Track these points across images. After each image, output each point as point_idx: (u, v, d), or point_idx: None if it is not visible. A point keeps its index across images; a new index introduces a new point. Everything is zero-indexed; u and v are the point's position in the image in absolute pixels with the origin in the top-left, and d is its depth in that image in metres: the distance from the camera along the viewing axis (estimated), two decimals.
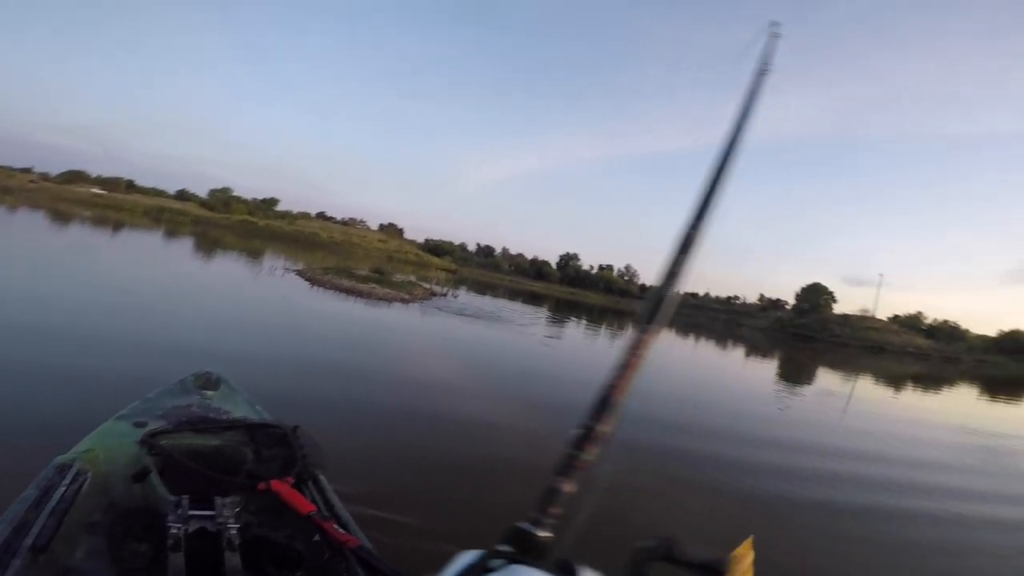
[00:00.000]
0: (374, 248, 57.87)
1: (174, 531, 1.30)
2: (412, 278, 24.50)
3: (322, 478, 1.77)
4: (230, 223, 49.95)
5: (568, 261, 79.10)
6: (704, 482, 4.82)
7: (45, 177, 60.28)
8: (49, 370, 4.29)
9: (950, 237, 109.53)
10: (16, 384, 3.88)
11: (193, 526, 1.36)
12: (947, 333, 56.24)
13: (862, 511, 4.69)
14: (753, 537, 1.80)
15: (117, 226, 27.05)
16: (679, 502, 4.28)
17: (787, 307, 66.28)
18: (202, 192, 63.84)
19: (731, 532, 1.81)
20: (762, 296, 73.31)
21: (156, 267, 14.53)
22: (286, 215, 63.98)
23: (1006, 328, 54.80)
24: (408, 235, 78.52)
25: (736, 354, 23.17)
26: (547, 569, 0.52)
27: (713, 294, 76.71)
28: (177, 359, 4.85)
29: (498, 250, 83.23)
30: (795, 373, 18.86)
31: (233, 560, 1.31)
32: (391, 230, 76.41)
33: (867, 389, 16.94)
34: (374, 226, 77.04)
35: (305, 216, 68.70)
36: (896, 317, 60.86)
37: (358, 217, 78.19)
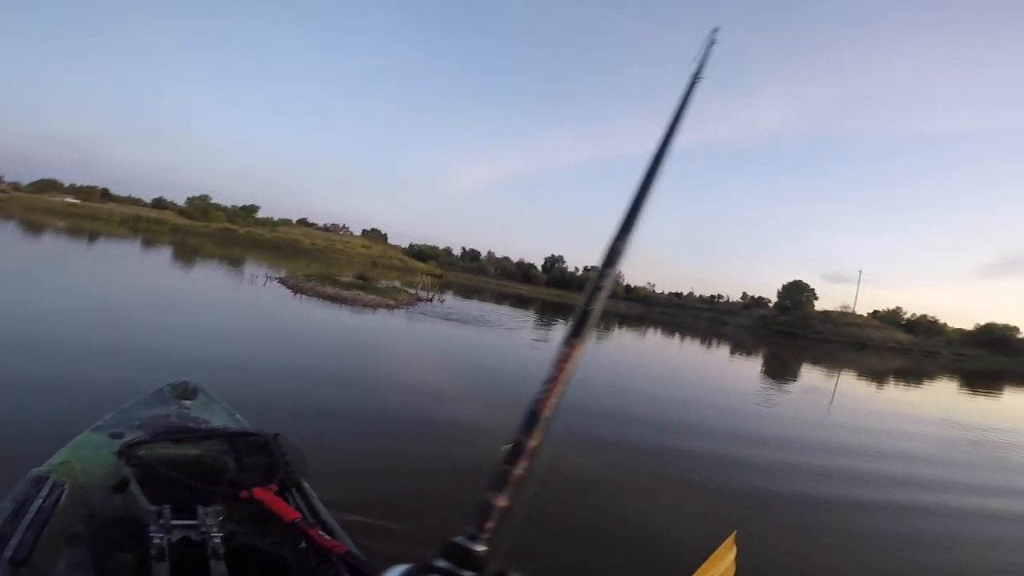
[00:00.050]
0: (357, 254, 57.49)
1: (157, 541, 1.28)
2: (397, 284, 24.34)
3: (305, 485, 1.75)
4: (209, 231, 49.25)
5: (554, 263, 79.36)
6: (691, 479, 4.82)
7: (16, 187, 58.79)
8: (20, 382, 4.14)
9: (925, 233, 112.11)
10: None
11: (176, 535, 1.33)
12: (926, 327, 57.58)
13: (848, 504, 4.72)
14: (737, 533, 1.79)
15: (93, 236, 26.50)
16: (665, 499, 4.27)
17: (770, 305, 67.20)
18: (180, 200, 62.79)
19: (717, 528, 1.82)
20: (745, 294, 74.33)
21: (133, 277, 14.23)
22: (267, 222, 63.30)
23: (982, 321, 56.42)
24: (392, 240, 78.22)
25: (721, 353, 23.41)
26: None
27: (697, 293, 77.59)
28: (154, 370, 4.71)
29: (483, 254, 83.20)
30: (780, 370, 19.08)
31: (219, 569, 1.28)
32: (374, 235, 75.98)
33: (851, 385, 17.20)
34: (357, 232, 76.60)
35: (286, 223, 68.00)
36: (876, 313, 62.21)
37: (340, 223, 77.60)
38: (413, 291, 21.99)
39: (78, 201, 55.37)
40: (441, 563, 0.55)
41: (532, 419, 0.68)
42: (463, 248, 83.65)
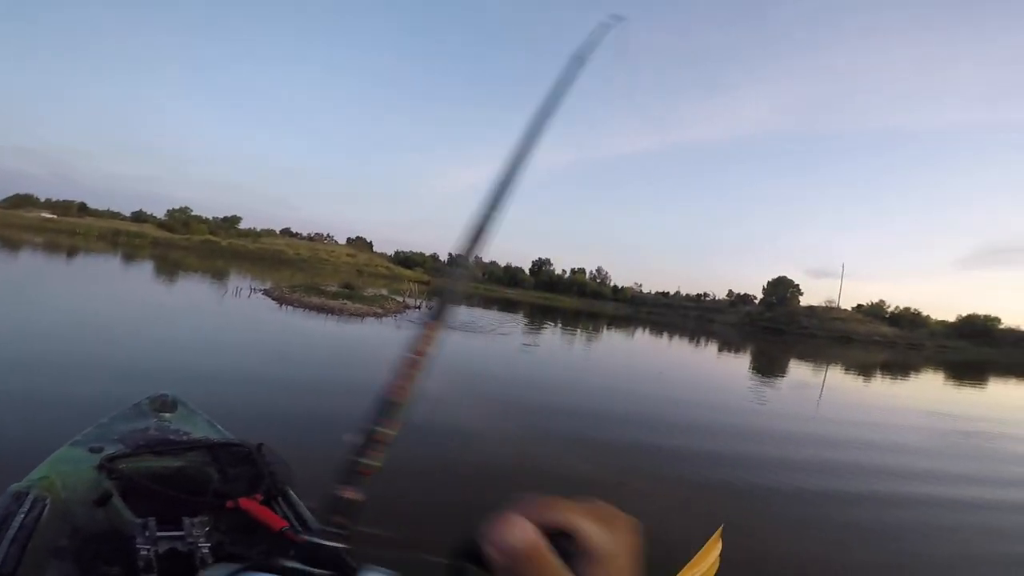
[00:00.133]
0: (343, 263, 57.18)
1: (144, 552, 1.24)
2: (384, 292, 24.24)
3: (292, 494, 1.73)
4: (191, 244, 48.67)
5: (541, 266, 79.59)
6: (681, 476, 4.86)
7: None
8: None
9: (906, 226, 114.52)
10: None
11: (163, 547, 1.29)
12: (909, 320, 58.54)
13: (837, 496, 4.78)
14: (723, 526, 1.78)
15: (71, 252, 26.04)
16: (656, 497, 4.28)
17: (755, 302, 68.00)
18: (159, 212, 62.06)
19: (707, 522, 1.84)
20: (731, 292, 75.15)
21: (114, 293, 13.97)
22: (250, 233, 62.74)
23: (964, 313, 57.65)
24: (377, 248, 77.93)
25: (709, 351, 23.58)
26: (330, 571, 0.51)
27: (683, 292, 78.27)
28: (135, 384, 4.61)
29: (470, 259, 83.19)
30: (768, 366, 19.27)
31: None
32: (359, 244, 75.65)
33: (838, 379, 17.42)
34: (342, 240, 76.23)
35: (270, 233, 67.46)
36: (860, 307, 63.20)
37: (325, 232, 77.20)
38: (400, 299, 21.89)
39: (55, 216, 54.42)
40: (290, 563, 0.53)
41: (385, 407, 0.64)
42: (449, 254, 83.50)
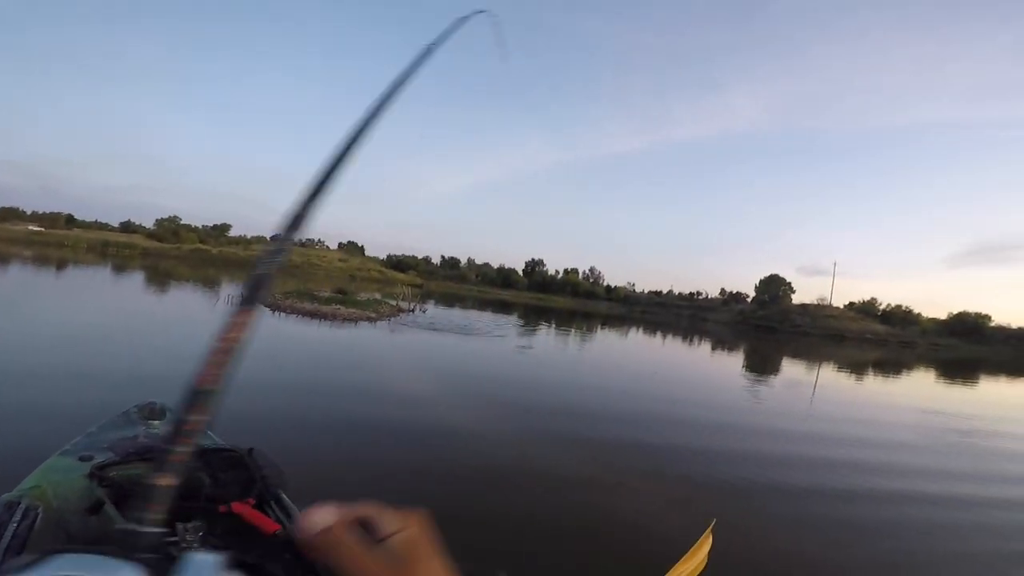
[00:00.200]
0: (335, 268, 57.00)
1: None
2: (377, 296, 24.17)
3: (285, 497, 1.73)
4: (181, 253, 48.37)
5: (534, 267, 79.69)
6: (675, 473, 4.88)
7: None
8: None
9: (897, 225, 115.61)
10: None
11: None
12: (901, 318, 58.91)
13: (830, 493, 4.80)
14: (715, 523, 1.79)
15: (60, 264, 25.79)
16: (649, 494, 4.29)
17: (748, 300, 68.34)
18: (148, 222, 61.69)
19: (699, 519, 1.85)
20: (723, 290, 75.56)
21: (105, 303, 13.86)
22: (240, 240, 62.41)
23: (954, 310, 57.97)
24: (370, 252, 77.79)
25: (703, 350, 23.67)
26: (147, 560, 0.51)
27: (676, 291, 78.53)
28: (125, 393, 4.58)
29: (463, 261, 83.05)
30: (761, 365, 19.36)
31: None
32: (351, 248, 75.45)
33: (832, 377, 17.45)
34: (333, 245, 76.01)
35: (261, 240, 66.99)
36: (852, 304, 63.48)
37: (316, 237, 76.83)
38: (394, 302, 21.83)
39: (42, 229, 53.86)
40: (110, 549, 0.53)
41: (194, 395, 0.63)
42: (443, 256, 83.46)
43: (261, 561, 1.49)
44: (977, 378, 21.57)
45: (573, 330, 24.23)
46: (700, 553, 1.60)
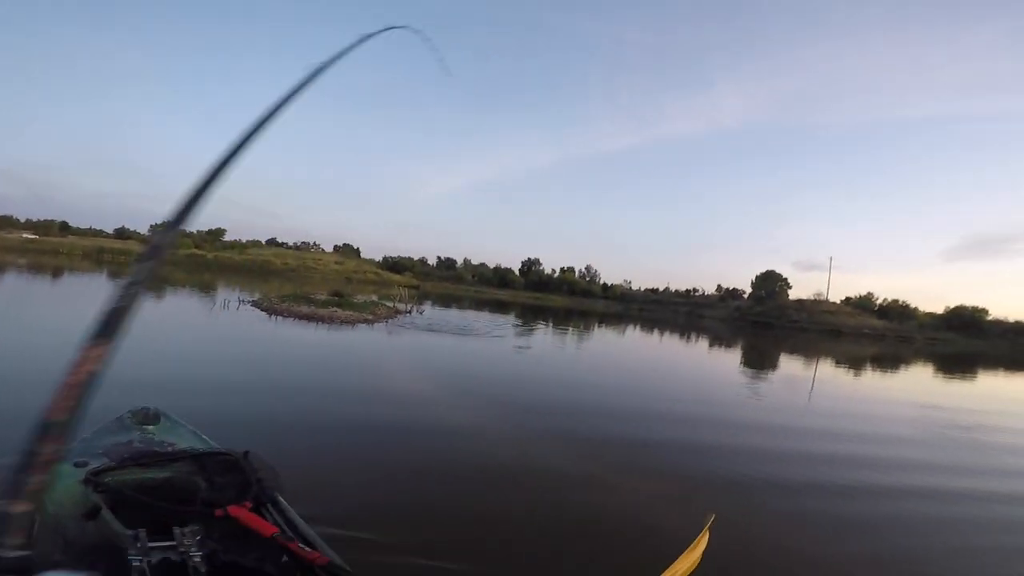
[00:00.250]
0: (331, 271, 56.85)
1: (137, 564, 1.27)
2: (374, 297, 24.12)
3: (281, 500, 1.74)
4: (177, 258, 48.08)
5: (531, 267, 79.64)
6: (674, 470, 4.90)
7: None
8: None
9: (892, 218, 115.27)
10: None
11: (155, 557, 1.32)
12: (898, 312, 58.62)
13: (828, 488, 4.80)
14: (714, 519, 1.80)
15: (56, 272, 25.67)
16: (649, 491, 4.31)
17: (745, 296, 68.40)
18: (143, 228, 61.31)
19: (698, 515, 1.86)
20: (720, 286, 75.56)
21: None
22: (235, 244, 62.17)
23: (951, 304, 57.64)
24: (365, 254, 77.59)
25: (700, 346, 23.72)
26: None
27: (672, 288, 78.62)
28: (121, 399, 4.59)
29: (460, 261, 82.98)
30: (759, 361, 19.40)
31: None
32: (347, 251, 75.30)
33: (830, 372, 17.43)
34: (329, 248, 75.79)
35: (256, 244, 66.92)
36: (848, 299, 63.27)
37: (311, 240, 76.76)
38: (391, 304, 21.79)
39: (36, 236, 53.52)
40: None
41: (45, 427, 0.62)
42: (439, 257, 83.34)
43: (259, 564, 1.50)
44: (975, 373, 21.53)
45: (571, 329, 24.26)
46: (699, 548, 1.61)
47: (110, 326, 0.70)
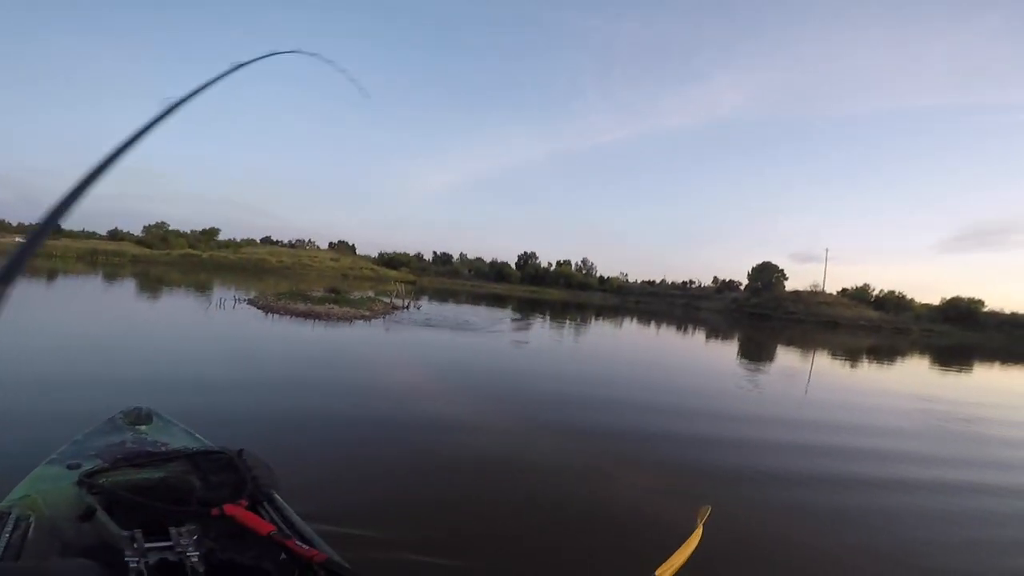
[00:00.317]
0: (327, 268, 56.69)
1: (134, 565, 1.26)
2: (371, 294, 24.09)
3: (277, 497, 1.73)
4: (172, 259, 47.84)
5: (527, 260, 79.56)
6: (671, 461, 4.93)
7: None
8: None
9: (888, 209, 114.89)
10: None
11: (153, 558, 1.32)
12: (894, 303, 58.35)
13: (824, 480, 4.82)
14: (710, 511, 1.80)
15: (51, 274, 25.51)
16: (646, 482, 4.34)
17: (741, 288, 68.47)
18: (136, 229, 60.78)
19: (694, 505, 1.86)
20: (716, 278, 75.63)
21: (97, 311, 13.73)
22: (230, 244, 61.78)
23: (948, 295, 57.20)
24: (361, 251, 77.25)
25: (697, 338, 23.77)
26: None
27: (669, 280, 78.71)
28: (119, 399, 4.56)
29: (456, 256, 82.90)
30: (756, 353, 19.44)
31: None
32: (342, 248, 75.04)
33: (826, 364, 17.43)
34: (324, 245, 75.42)
35: (250, 242, 66.50)
36: (845, 290, 63.01)
37: (306, 238, 76.21)
38: (388, 300, 21.77)
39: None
40: None
41: None
42: (435, 252, 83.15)
43: (257, 562, 1.49)
44: (970, 365, 21.50)
45: (568, 322, 24.29)
46: (695, 540, 1.61)
47: (10, 273, 0.70)
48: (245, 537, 1.51)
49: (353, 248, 77.06)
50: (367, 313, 16.30)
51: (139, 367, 6.69)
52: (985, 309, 54.53)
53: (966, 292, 57.25)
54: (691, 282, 77.50)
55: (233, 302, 16.36)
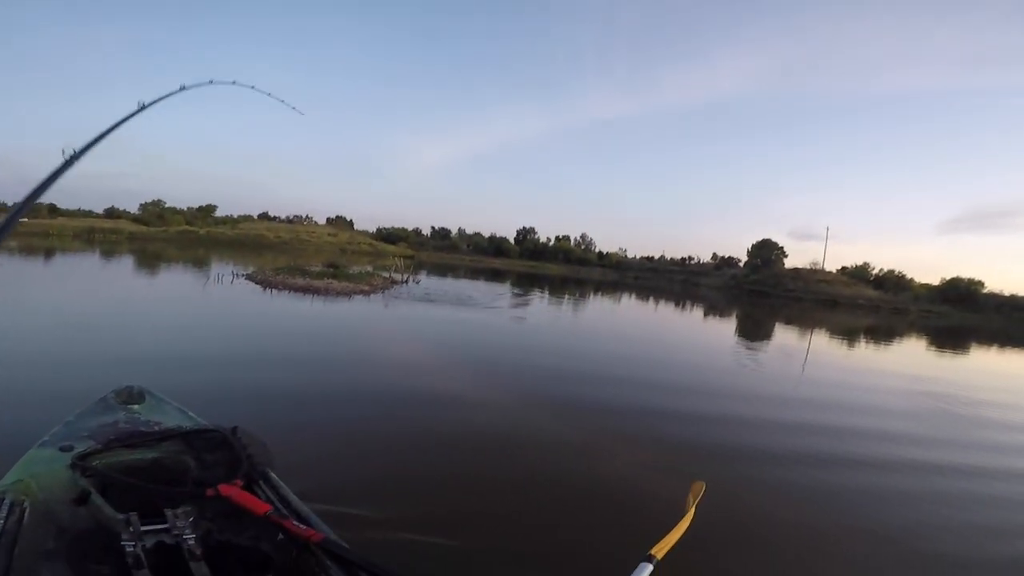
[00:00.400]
0: (325, 243, 56.42)
1: (131, 549, 1.25)
2: (369, 268, 24.02)
3: (273, 476, 1.71)
4: (169, 235, 47.52)
5: (526, 235, 79.27)
6: (667, 439, 4.95)
7: None
8: None
9: (890, 188, 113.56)
10: None
11: (149, 541, 1.30)
12: (894, 283, 57.74)
13: (820, 460, 4.83)
14: (705, 487, 1.78)
15: (49, 252, 25.38)
16: (642, 458, 4.36)
17: (740, 264, 68.28)
18: (132, 207, 60.26)
19: (688, 481, 1.85)
20: (715, 255, 75.42)
21: (94, 288, 13.67)
22: (227, 220, 61.35)
23: (947, 276, 56.32)
24: (359, 225, 76.73)
25: (696, 314, 23.79)
26: None
27: (668, 256, 78.52)
28: (114, 377, 4.54)
29: (454, 231, 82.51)
30: (754, 331, 19.44)
31: (200, 570, 1.26)
32: (340, 223, 74.53)
33: (824, 343, 17.36)
34: (321, 220, 74.85)
35: (247, 218, 66.03)
36: (844, 269, 62.47)
37: (303, 213, 75.58)
38: (387, 274, 21.72)
39: (25, 219, 52.49)
40: None
41: None
42: (433, 227, 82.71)
43: (254, 543, 1.48)
44: (968, 347, 21.33)
45: (567, 297, 24.31)
46: (688, 517, 1.61)
47: None
48: (241, 517, 1.50)
49: (351, 223, 76.55)
50: (366, 288, 16.26)
51: (133, 344, 6.66)
52: (984, 291, 54.01)
53: (966, 273, 56.61)
54: (690, 258, 77.35)
55: (231, 277, 16.29)
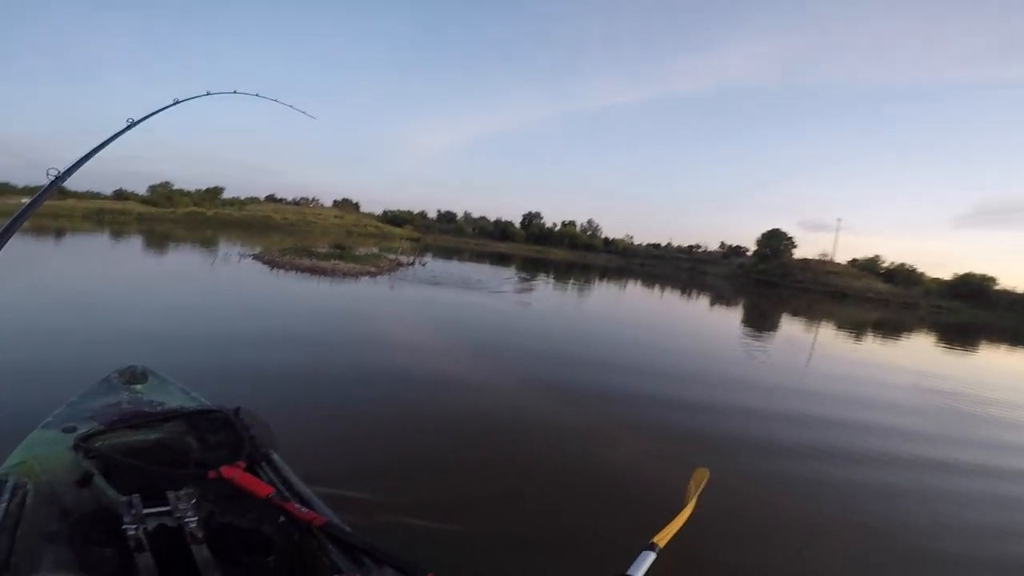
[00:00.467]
0: (331, 224, 56.41)
1: (133, 532, 1.25)
2: (375, 250, 24.02)
3: (276, 457, 1.70)
4: (177, 216, 47.65)
5: (531, 220, 78.88)
6: (672, 428, 4.94)
7: None
8: None
9: (904, 182, 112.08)
10: None
11: (151, 524, 1.30)
12: (904, 277, 56.62)
13: (824, 452, 4.80)
14: (709, 475, 1.75)
15: (60, 233, 25.55)
16: (645, 446, 4.35)
17: (748, 254, 67.67)
18: (140, 189, 60.31)
19: (691, 470, 1.83)
20: (723, 243, 74.78)
21: (104, 267, 13.74)
22: (234, 202, 61.37)
23: (959, 271, 55.14)
24: (365, 208, 76.55)
25: (702, 303, 23.65)
26: None
27: (675, 244, 78.01)
28: (121, 356, 4.55)
29: (460, 215, 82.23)
30: (761, 322, 19.28)
31: (202, 552, 1.26)
32: (346, 205, 74.41)
33: (831, 336, 17.08)
34: (328, 203, 74.69)
35: (254, 200, 66.00)
36: (855, 261, 61.16)
37: (310, 195, 75.45)
38: (393, 256, 21.72)
39: None
40: None
41: None
42: (439, 211, 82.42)
43: (257, 526, 1.47)
44: (978, 345, 20.75)
45: (572, 282, 24.25)
46: (691, 506, 1.59)
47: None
48: (244, 500, 1.48)
49: (357, 206, 76.42)
50: (373, 269, 16.26)
51: (138, 323, 6.68)
52: (997, 287, 52.63)
53: (979, 269, 55.02)
54: (697, 246, 76.77)
55: (238, 257, 16.33)
